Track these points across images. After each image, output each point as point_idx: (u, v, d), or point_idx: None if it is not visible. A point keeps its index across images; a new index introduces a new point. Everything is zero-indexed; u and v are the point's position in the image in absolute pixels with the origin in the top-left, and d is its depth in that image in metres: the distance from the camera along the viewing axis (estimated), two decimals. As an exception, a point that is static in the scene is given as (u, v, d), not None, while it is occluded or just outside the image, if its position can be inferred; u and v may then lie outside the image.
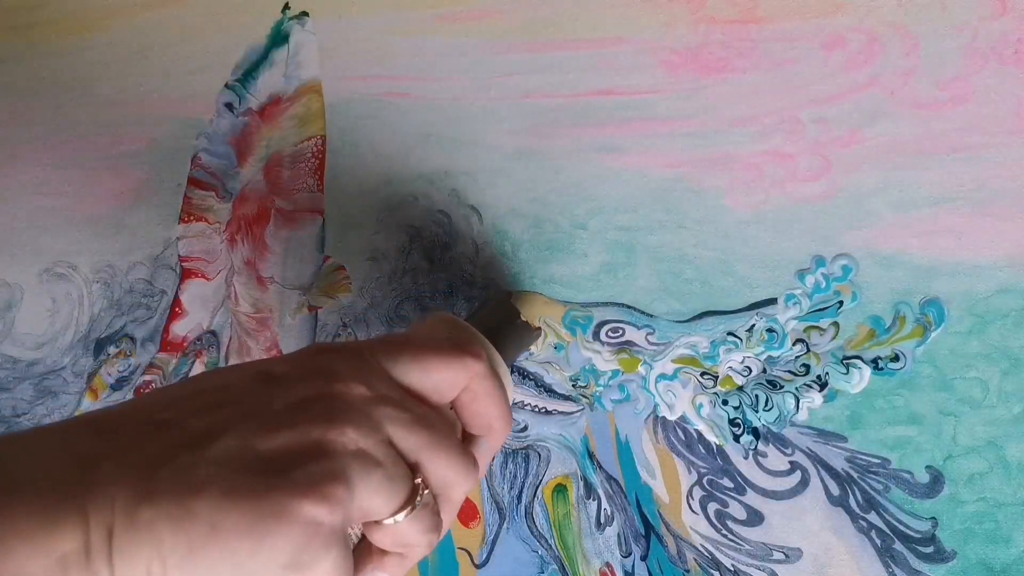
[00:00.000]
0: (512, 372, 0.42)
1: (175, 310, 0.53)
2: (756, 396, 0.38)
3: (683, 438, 0.39)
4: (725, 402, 0.39)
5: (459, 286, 0.45)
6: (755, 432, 0.38)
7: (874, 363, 0.36)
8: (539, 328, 0.42)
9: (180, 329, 0.53)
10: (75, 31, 0.59)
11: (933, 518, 0.35)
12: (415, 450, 0.28)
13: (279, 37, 0.52)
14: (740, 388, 0.38)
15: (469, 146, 0.45)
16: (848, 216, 0.37)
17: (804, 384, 0.37)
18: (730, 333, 0.39)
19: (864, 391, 0.36)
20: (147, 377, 0.53)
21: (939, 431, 0.35)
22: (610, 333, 0.41)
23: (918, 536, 0.35)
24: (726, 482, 0.38)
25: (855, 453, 0.36)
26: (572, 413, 0.42)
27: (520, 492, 0.42)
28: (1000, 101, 0.35)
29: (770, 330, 0.38)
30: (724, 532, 0.38)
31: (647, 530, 0.39)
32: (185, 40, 0.54)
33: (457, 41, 0.46)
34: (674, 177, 0.40)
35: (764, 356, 0.38)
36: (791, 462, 0.37)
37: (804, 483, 0.37)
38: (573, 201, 0.42)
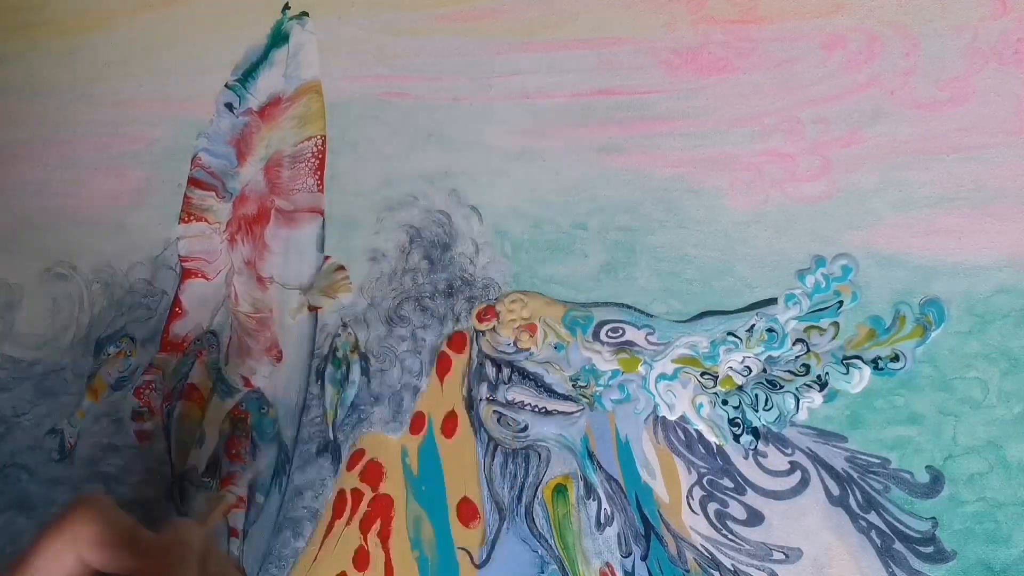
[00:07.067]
0: (506, 368, 0.42)
1: (175, 310, 0.53)
2: (756, 396, 0.38)
3: (683, 438, 0.39)
4: (725, 402, 0.39)
5: (459, 286, 0.45)
6: (755, 432, 0.38)
7: (874, 363, 0.36)
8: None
9: (180, 329, 0.53)
10: (75, 31, 0.59)
11: (933, 518, 0.35)
12: None
13: (279, 37, 0.52)
14: (740, 388, 0.38)
15: (469, 146, 0.45)
16: (848, 216, 0.37)
17: (804, 384, 0.37)
18: (730, 333, 0.39)
19: (864, 391, 0.36)
20: (147, 377, 0.53)
21: (939, 431, 0.35)
22: (610, 333, 0.41)
23: (918, 536, 0.35)
24: (726, 482, 0.38)
25: (855, 453, 0.36)
26: (572, 413, 0.42)
27: (520, 492, 0.42)
28: (1000, 101, 0.35)
29: (770, 330, 0.38)
30: (724, 532, 0.38)
31: (647, 530, 0.39)
32: (185, 40, 0.54)
33: (457, 41, 0.46)
34: (674, 177, 0.40)
35: (764, 356, 0.38)
36: (791, 462, 0.37)
37: (804, 483, 0.37)
38: (573, 201, 0.42)
